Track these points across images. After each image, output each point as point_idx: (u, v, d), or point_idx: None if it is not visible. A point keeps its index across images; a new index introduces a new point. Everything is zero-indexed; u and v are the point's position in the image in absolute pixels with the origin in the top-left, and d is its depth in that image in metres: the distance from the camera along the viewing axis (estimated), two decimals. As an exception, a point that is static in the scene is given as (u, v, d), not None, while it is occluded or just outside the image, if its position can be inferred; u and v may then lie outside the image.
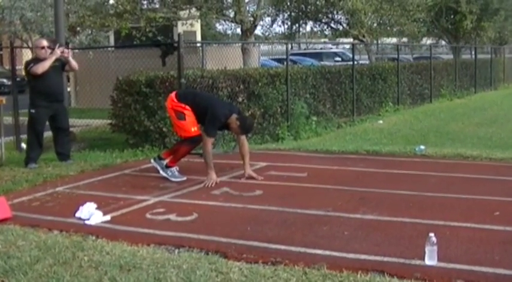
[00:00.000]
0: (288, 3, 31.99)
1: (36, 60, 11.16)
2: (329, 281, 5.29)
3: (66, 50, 11.33)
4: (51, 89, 11.08)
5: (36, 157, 11.22)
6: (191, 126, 9.61)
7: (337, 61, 32.06)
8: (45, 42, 11.35)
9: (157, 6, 21.29)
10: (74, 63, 11.49)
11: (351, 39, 31.32)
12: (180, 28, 22.12)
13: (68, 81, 18.83)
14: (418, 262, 5.65)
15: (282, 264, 5.68)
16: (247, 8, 21.40)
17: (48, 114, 11.16)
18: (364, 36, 29.01)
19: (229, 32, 50.01)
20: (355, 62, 19.77)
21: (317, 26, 34.80)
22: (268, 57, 34.48)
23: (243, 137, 9.88)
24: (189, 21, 21.57)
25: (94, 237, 6.64)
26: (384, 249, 6.06)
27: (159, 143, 12.51)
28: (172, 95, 9.98)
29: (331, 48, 40.60)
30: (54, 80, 11.16)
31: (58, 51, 11.12)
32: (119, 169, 10.69)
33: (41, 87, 10.99)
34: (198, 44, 19.24)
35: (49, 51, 11.15)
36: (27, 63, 11.19)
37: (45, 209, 8.08)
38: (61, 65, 11.37)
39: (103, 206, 7.87)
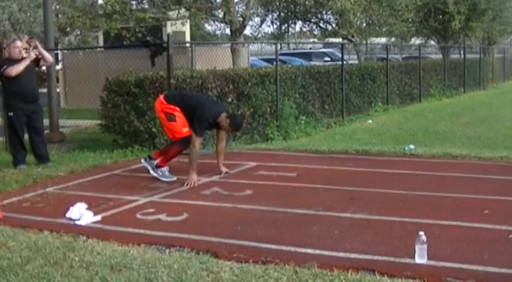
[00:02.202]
0: (277, 4, 31.95)
1: (10, 60, 11.04)
2: (320, 280, 5.31)
3: (35, 50, 11.19)
4: (26, 89, 10.99)
5: (23, 158, 11.18)
6: (182, 127, 9.62)
7: (327, 61, 32.06)
8: (19, 43, 11.29)
9: (146, 6, 21.25)
10: (47, 55, 11.40)
11: (340, 39, 31.36)
12: (169, 28, 22.10)
13: (58, 82, 18.80)
14: (408, 260, 5.68)
15: (273, 263, 5.70)
16: (237, 9, 21.40)
17: (26, 115, 11.10)
18: (353, 36, 29.04)
19: (218, 32, 49.97)
20: (345, 62, 19.79)
21: (306, 26, 34.82)
22: (258, 57, 34.46)
23: (222, 136, 10.03)
24: (178, 22, 21.55)
25: (85, 238, 6.66)
26: (374, 248, 6.08)
27: (148, 143, 12.52)
28: (161, 97, 10.02)
29: (320, 48, 40.63)
30: (29, 81, 11.04)
31: (33, 54, 11.04)
32: (108, 169, 10.69)
33: (16, 88, 10.90)
34: (188, 45, 19.21)
35: (23, 51, 11.09)
36: (0, 65, 11.11)
37: (36, 209, 8.08)
38: (34, 62, 11.26)
39: (93, 206, 7.87)
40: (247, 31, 33.52)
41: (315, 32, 35.74)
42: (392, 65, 24.02)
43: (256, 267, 5.62)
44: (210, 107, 9.78)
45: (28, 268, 5.66)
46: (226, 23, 21.29)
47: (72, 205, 7.66)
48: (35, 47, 11.13)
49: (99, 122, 13.78)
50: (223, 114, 9.63)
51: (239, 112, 13.78)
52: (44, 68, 13.20)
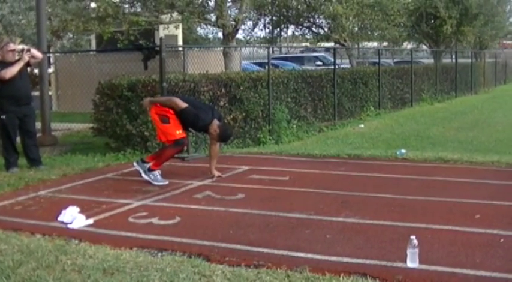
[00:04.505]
0: (270, 8, 32.02)
1: (3, 63, 10.97)
2: (312, 283, 5.33)
3: (29, 52, 11.18)
4: (19, 92, 10.96)
5: (15, 161, 11.15)
6: (176, 129, 9.63)
7: (319, 65, 32.12)
8: (12, 46, 11.26)
9: (139, 10, 21.25)
10: (36, 53, 11.37)
11: (332, 44, 31.43)
12: (162, 32, 22.11)
13: (50, 85, 18.77)
14: (400, 265, 5.69)
15: (265, 267, 5.69)
16: (229, 12, 21.43)
17: (18, 118, 11.07)
18: (345, 41, 29.10)
19: (210, 36, 50.08)
20: (337, 66, 19.83)
21: (298, 30, 34.89)
22: (250, 61, 34.49)
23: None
24: (171, 25, 21.57)
25: (77, 241, 6.64)
26: (366, 252, 6.09)
27: (141, 146, 12.52)
28: None
29: (313, 53, 40.69)
30: (22, 83, 11.01)
31: (26, 57, 11.01)
32: (101, 173, 10.67)
33: (9, 91, 10.85)
34: (180, 48, 19.22)
35: (17, 54, 11.06)
36: None
37: (28, 212, 8.06)
38: (25, 63, 11.21)
39: (86, 209, 7.86)
40: (240, 35, 33.57)
41: (307, 36, 35.79)
42: (384, 69, 24.10)
43: (249, 270, 5.63)
44: (203, 111, 9.80)
45: (20, 271, 5.65)
46: (218, 26, 21.33)
47: (65, 208, 7.64)
48: (28, 50, 11.12)
49: (91, 125, 13.77)
50: (216, 122, 9.69)
51: (231, 116, 13.81)
52: (36, 70, 13.13)
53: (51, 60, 23.39)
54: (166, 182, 9.64)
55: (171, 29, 22.35)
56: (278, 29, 38.56)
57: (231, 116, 13.92)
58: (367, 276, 5.42)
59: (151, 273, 5.57)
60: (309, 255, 6.02)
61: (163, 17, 21.05)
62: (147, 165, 9.83)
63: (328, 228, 7.02)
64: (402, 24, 34.12)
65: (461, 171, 10.43)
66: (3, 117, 11.01)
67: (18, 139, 11.33)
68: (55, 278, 5.48)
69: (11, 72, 10.75)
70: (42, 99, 14.22)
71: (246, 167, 10.94)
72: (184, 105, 9.64)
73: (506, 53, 54.39)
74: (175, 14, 21.24)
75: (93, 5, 21.00)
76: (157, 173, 9.77)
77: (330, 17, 28.75)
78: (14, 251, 6.28)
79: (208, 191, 9.06)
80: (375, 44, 39.94)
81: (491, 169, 10.61)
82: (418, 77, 26.53)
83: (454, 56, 33.96)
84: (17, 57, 11.01)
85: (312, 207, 7.94)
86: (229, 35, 20.67)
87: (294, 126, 15.78)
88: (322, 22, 31.99)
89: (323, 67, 26.70)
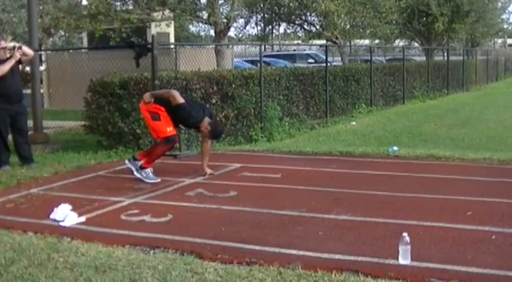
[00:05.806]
0: (261, 5, 32.00)
1: None
2: (304, 280, 5.32)
3: (20, 50, 11.15)
4: (11, 90, 10.92)
5: (7, 159, 11.11)
6: (166, 126, 9.64)
7: (310, 63, 32.11)
8: (3, 43, 11.23)
9: (131, 7, 21.21)
10: (27, 51, 11.34)
11: (324, 41, 31.43)
12: (154, 30, 22.08)
13: (41, 82, 18.74)
14: (391, 261, 5.70)
15: (257, 264, 5.70)
16: (221, 10, 21.41)
17: (10, 116, 11.04)
18: (337, 38, 29.11)
19: (202, 33, 49.98)
20: (328, 64, 19.83)
21: (290, 27, 34.87)
22: (242, 59, 34.47)
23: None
24: (163, 23, 21.53)
25: (69, 239, 6.62)
26: (358, 249, 6.10)
27: (133, 144, 12.50)
28: None
29: (304, 50, 40.68)
30: (13, 81, 10.98)
31: (17, 54, 10.98)
32: (93, 170, 10.66)
33: (1, 89, 10.79)
34: (172, 46, 19.20)
35: (8, 51, 11.02)
36: None
37: (20, 210, 8.04)
38: (17, 61, 11.17)
39: (78, 207, 7.85)
40: (232, 33, 33.56)
41: (299, 34, 35.78)
42: (376, 66, 24.11)
43: (241, 268, 5.63)
44: (195, 109, 9.79)
45: (12, 269, 5.65)
46: (210, 24, 21.31)
47: (57, 206, 7.63)
48: (19, 48, 11.09)
49: (83, 123, 13.75)
50: (207, 119, 9.69)
51: (223, 114, 13.81)
52: (27, 68, 13.06)
53: (43, 58, 23.34)
54: (158, 180, 9.64)
55: (162, 27, 22.31)
56: (270, 27, 38.57)
57: (223, 114, 13.92)
58: (359, 273, 5.43)
59: (144, 270, 5.57)
60: (301, 252, 6.03)
61: (155, 14, 21.01)
62: (139, 163, 9.82)
63: (320, 226, 7.03)
64: (394, 22, 34.10)
65: (452, 168, 10.45)
66: None
67: (9, 137, 11.31)
68: (47, 276, 5.47)
69: (2, 70, 10.72)
70: (33, 97, 14.19)
71: (238, 165, 10.95)
72: (181, 100, 9.64)
73: (497, 51, 54.54)
74: (167, 12, 21.21)
75: (84, 2, 20.96)
76: (149, 170, 9.77)
77: (322, 15, 28.74)
78: (6, 249, 6.27)
79: (200, 189, 9.06)
80: (367, 41, 39.98)
81: (482, 166, 10.64)
82: (410, 74, 26.58)
83: (445, 54, 34.01)
84: (8, 55, 10.98)
85: (304, 205, 7.95)
86: (221, 33, 20.65)
87: (286, 123, 15.79)
88: (314, 19, 31.99)
89: (315, 65, 26.69)
